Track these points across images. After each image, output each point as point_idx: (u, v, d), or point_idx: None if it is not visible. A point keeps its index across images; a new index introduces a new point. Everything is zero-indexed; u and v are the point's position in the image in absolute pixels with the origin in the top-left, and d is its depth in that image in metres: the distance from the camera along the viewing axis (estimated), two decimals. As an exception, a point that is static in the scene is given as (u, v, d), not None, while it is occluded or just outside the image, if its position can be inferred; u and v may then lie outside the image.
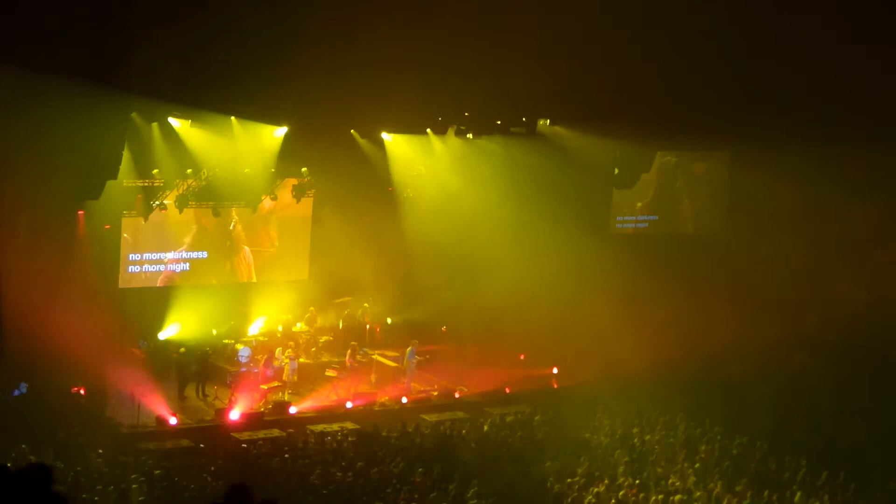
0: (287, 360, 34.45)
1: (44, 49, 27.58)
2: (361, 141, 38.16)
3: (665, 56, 36.04)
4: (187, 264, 37.50)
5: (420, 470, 26.77)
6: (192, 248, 37.48)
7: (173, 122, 34.14)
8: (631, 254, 41.05)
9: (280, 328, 37.92)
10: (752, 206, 41.44)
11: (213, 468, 26.57)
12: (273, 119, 35.25)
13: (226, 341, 36.13)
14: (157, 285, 36.94)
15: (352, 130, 37.80)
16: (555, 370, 38.16)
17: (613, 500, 25.83)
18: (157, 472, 25.72)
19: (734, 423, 32.58)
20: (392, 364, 36.02)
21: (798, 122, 37.37)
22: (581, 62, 34.90)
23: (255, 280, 38.87)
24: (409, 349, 35.88)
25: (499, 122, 39.40)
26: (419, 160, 39.84)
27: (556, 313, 37.58)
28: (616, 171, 42.64)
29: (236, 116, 34.75)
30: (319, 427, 31.90)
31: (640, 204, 44.66)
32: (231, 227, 38.03)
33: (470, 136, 39.07)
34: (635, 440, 31.15)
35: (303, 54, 30.84)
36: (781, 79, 37.31)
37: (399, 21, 32.37)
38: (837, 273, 40.65)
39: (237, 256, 38.45)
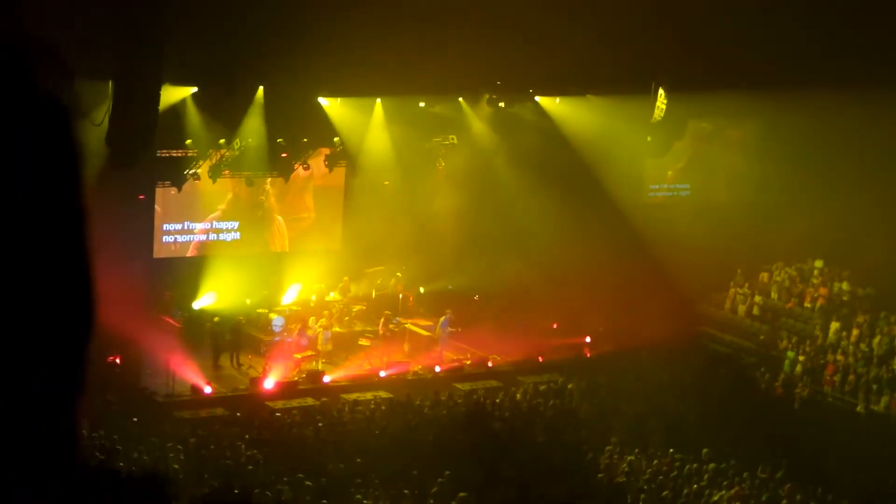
0: (320, 330, 34.52)
1: (74, 20, 27.61)
2: (392, 110, 38.17)
3: (697, 22, 35.79)
4: (221, 234, 37.61)
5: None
6: (225, 218, 37.59)
7: (208, 92, 34.19)
8: (664, 222, 40.87)
9: (313, 297, 37.91)
10: (787, 173, 41.17)
11: (247, 436, 26.74)
12: (306, 88, 35.23)
13: (259, 311, 36.20)
14: (191, 255, 37.08)
15: (377, 100, 37.76)
16: (587, 339, 38.15)
17: (648, 469, 25.89)
18: (193, 440, 25.92)
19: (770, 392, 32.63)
20: (425, 333, 36.03)
21: (831, 89, 37.04)
22: (612, 29, 34.71)
23: (288, 250, 38.98)
24: (442, 318, 35.90)
25: (531, 91, 39.29)
26: (451, 128, 39.77)
27: (588, 282, 37.50)
28: (648, 139, 42.43)
29: (267, 86, 34.77)
30: (353, 396, 31.99)
31: (670, 172, 44.49)
32: (263, 197, 38.11)
33: (502, 104, 38.97)
34: (669, 409, 31.20)
35: (337, 22, 30.80)
36: (814, 43, 36.94)
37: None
38: (871, 239, 40.33)
39: (271, 226, 38.56)
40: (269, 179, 37.97)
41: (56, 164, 1.27)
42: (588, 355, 37.50)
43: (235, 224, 37.87)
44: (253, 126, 35.51)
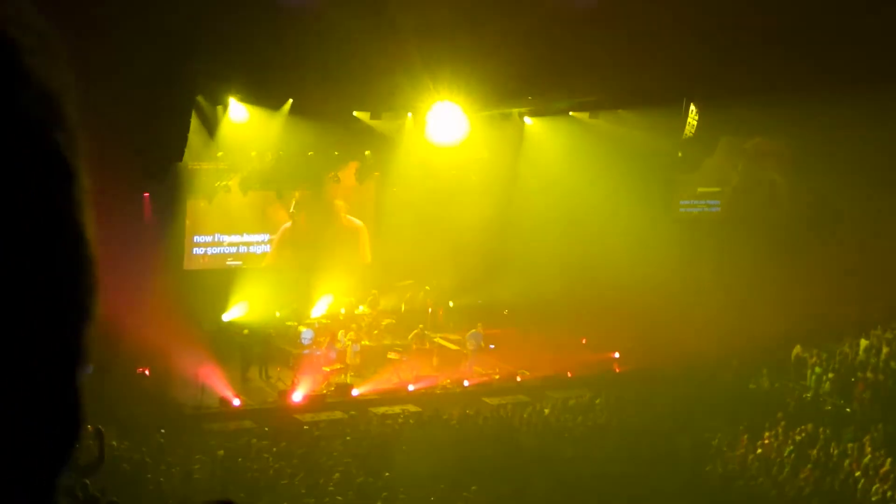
0: (349, 343, 34.53)
1: (110, 32, 27.76)
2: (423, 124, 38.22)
3: (730, 39, 35.70)
4: (252, 247, 37.72)
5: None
6: (256, 231, 37.70)
7: (239, 105, 34.38)
8: (695, 238, 40.78)
9: (343, 311, 38.02)
10: (817, 189, 41.05)
11: (275, 449, 26.78)
12: (337, 103, 35.29)
13: (289, 323, 36.27)
14: (222, 267, 37.19)
15: (408, 114, 37.79)
16: (616, 355, 38.06)
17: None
18: (221, 452, 25.98)
19: (798, 410, 32.42)
20: (454, 347, 36.05)
21: (862, 102, 36.79)
22: (643, 44, 34.65)
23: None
24: (471, 332, 35.86)
25: (562, 106, 39.29)
26: (483, 143, 39.79)
27: (618, 297, 37.41)
28: (680, 154, 42.34)
29: (296, 99, 34.91)
30: (381, 410, 31.99)
31: (700, 189, 44.34)
32: (295, 210, 38.21)
33: (533, 119, 38.97)
34: (697, 425, 31.10)
35: (370, 38, 30.85)
36: (843, 57, 36.70)
37: (470, 4, 32.33)
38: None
39: (303, 239, 38.65)
40: (300, 192, 38.11)
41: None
42: (617, 371, 37.42)
43: (266, 237, 37.99)
44: (284, 139, 35.65)
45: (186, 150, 33.32)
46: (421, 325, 36.35)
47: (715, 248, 40.24)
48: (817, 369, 35.79)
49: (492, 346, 36.72)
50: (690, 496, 25.73)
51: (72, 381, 1.34)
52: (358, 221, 39.60)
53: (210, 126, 34.61)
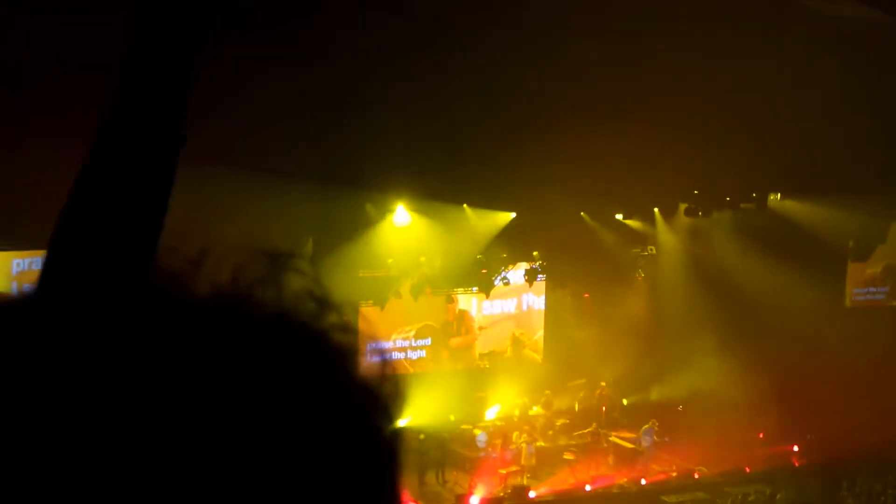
0: (524, 444, 34.55)
1: (280, 150, 28.53)
2: (592, 223, 38.41)
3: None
4: (423, 351, 38.04)
5: None
6: (425, 335, 38.03)
7: (406, 212, 35.01)
8: (869, 327, 40.06)
9: (517, 412, 38.04)
10: None
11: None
12: (503, 205, 35.81)
13: (463, 427, 36.38)
14: (398, 372, 37.54)
15: (581, 213, 38.05)
16: (795, 448, 37.42)
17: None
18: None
19: None
20: (629, 445, 35.82)
21: None
22: (813, 133, 34.35)
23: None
24: (645, 428, 35.65)
25: (728, 199, 39.15)
26: (649, 240, 39.87)
27: (794, 389, 36.85)
28: (851, 243, 41.81)
29: (468, 204, 35.49)
30: (558, 511, 31.93)
31: (869, 270, 43.52)
32: (458, 311, 38.46)
33: (700, 213, 38.92)
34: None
35: (534, 140, 31.17)
36: None
37: (625, 102, 32.48)
38: None
39: (474, 341, 38.86)
40: (469, 295, 38.41)
41: None
42: (796, 464, 36.77)
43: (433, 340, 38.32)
44: (452, 243, 36.09)
45: (357, 258, 34.10)
46: (595, 424, 36.28)
47: (888, 334, 39.41)
48: None
49: (666, 439, 36.35)
50: None
51: None
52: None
53: (379, 233, 35.28)
